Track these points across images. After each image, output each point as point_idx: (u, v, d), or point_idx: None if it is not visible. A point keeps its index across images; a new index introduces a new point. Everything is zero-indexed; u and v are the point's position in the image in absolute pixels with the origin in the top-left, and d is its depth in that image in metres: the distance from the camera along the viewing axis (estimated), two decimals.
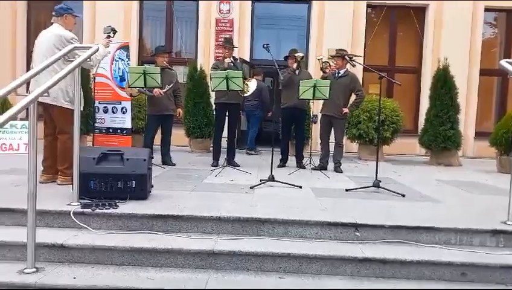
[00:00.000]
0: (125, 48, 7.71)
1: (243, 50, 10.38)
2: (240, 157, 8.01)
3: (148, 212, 3.33)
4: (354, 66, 5.29)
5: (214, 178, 5.31)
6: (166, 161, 6.49)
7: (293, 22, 11.25)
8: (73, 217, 3.23)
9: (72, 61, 3.35)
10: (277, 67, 4.98)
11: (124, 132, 7.88)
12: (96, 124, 8.19)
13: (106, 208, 3.35)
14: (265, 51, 5.42)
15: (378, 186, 4.74)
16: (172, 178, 5.22)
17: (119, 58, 7.69)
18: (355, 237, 3.28)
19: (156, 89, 6.11)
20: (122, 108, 7.87)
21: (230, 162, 6.51)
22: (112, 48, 7.84)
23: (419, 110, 10.62)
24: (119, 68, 7.79)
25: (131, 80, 5.70)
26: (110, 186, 3.66)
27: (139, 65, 9.88)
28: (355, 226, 3.29)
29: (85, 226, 3.23)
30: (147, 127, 6.62)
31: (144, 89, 6.14)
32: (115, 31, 4.53)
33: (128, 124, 7.71)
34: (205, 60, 10.26)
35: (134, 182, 3.67)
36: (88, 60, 3.66)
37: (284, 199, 4.14)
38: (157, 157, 6.45)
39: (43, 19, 10.57)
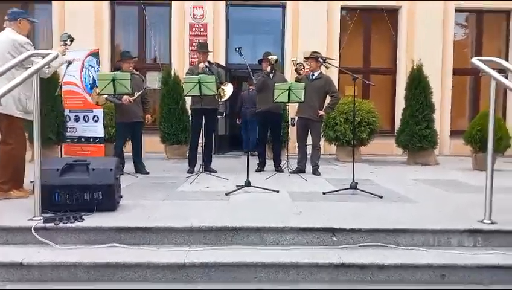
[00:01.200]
0: (95, 54, 7.49)
1: (217, 55, 10.27)
2: (219, 161, 7.89)
3: (115, 225, 3.15)
4: (327, 68, 5.24)
5: (188, 185, 5.15)
6: (140, 169, 6.30)
7: (268, 26, 11.20)
8: (34, 233, 3.03)
9: (27, 68, 3.16)
10: (249, 70, 4.89)
11: (97, 140, 7.64)
12: (67, 133, 7.93)
13: (71, 222, 3.17)
14: (240, 55, 5.32)
15: (356, 188, 4.68)
16: (145, 187, 5.04)
17: (89, 65, 7.47)
18: (332, 242, 3.18)
19: (125, 97, 5.92)
20: (94, 116, 7.63)
21: (207, 168, 6.37)
22: (82, 55, 7.61)
23: (396, 111, 10.71)
24: (89, 76, 7.55)
25: (100, 87, 5.49)
26: (75, 198, 3.47)
27: (112, 71, 9.64)
28: (332, 230, 3.20)
29: (47, 242, 3.03)
30: (116, 135, 6.41)
31: (113, 96, 5.94)
32: (72, 39, 4.31)
33: (100, 133, 7.48)
34: (179, 66, 10.10)
35: (100, 192, 3.48)
36: (46, 67, 3.47)
37: (260, 205, 4.02)
38: (130, 166, 6.27)
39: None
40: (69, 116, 7.95)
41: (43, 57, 3.25)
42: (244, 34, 10.99)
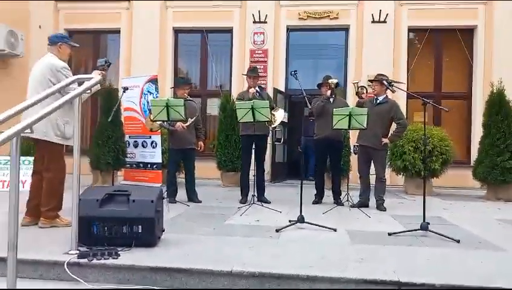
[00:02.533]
0: (154, 81, 7.57)
1: (277, 80, 10.07)
2: (274, 190, 7.52)
3: (151, 265, 2.87)
4: (393, 91, 4.72)
5: (238, 218, 4.82)
6: (192, 197, 6.10)
7: (330, 51, 10.82)
8: (66, 269, 2.83)
9: (67, 93, 3.06)
10: (305, 95, 4.53)
11: (155, 166, 7.65)
12: (127, 159, 8.03)
13: (105, 258, 2.94)
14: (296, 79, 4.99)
15: (427, 229, 4.05)
16: (193, 218, 4.78)
17: (148, 91, 7.56)
18: None
19: (178, 123, 5.81)
20: (152, 142, 7.67)
21: (260, 198, 6.02)
22: (142, 82, 7.74)
23: (471, 139, 9.71)
24: (147, 102, 7.63)
25: (154, 113, 5.41)
26: (114, 231, 3.26)
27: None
28: (399, 284, 2.67)
29: (79, 279, 2.81)
30: (169, 161, 6.29)
31: (166, 123, 5.85)
32: (109, 63, 4.20)
33: (158, 159, 7.48)
34: (239, 92, 9.97)
35: (140, 226, 3.25)
36: (88, 91, 3.37)
37: (313, 246, 3.56)
38: (182, 194, 6.09)
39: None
40: (129, 142, 8.06)
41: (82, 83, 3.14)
42: (305, 58, 10.69)
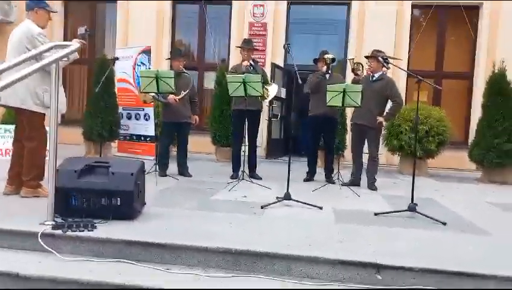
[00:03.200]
0: (147, 52, 7.40)
1: (276, 55, 9.85)
2: (268, 167, 7.46)
3: (126, 238, 2.82)
4: (388, 68, 4.57)
5: (225, 193, 4.76)
6: (183, 171, 6.04)
7: (331, 26, 10.53)
8: (39, 240, 2.78)
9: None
10: (296, 70, 4.39)
11: (148, 139, 7.58)
12: (120, 131, 7.95)
13: (80, 230, 2.89)
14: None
15: (415, 211, 3.98)
16: (180, 192, 4.72)
17: (142, 62, 7.40)
18: (376, 281, 2.59)
19: (170, 96, 5.68)
20: (145, 115, 7.60)
21: (251, 174, 5.96)
22: (135, 52, 7.57)
23: (471, 120, 9.55)
24: None
25: (143, 85, 5.28)
26: (92, 203, 3.20)
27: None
28: (377, 267, 2.61)
29: (52, 251, 2.77)
30: (161, 134, 6.20)
31: (158, 95, 5.72)
32: (89, 32, 4.01)
33: (151, 131, 7.40)
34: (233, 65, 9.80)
35: (119, 199, 3.19)
36: (65, 59, 3.24)
37: (296, 224, 3.51)
38: (174, 167, 6.03)
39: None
40: (122, 114, 7.97)
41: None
42: (305, 34, 10.42)
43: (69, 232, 2.86)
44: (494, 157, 6.93)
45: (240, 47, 6.11)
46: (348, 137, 7.54)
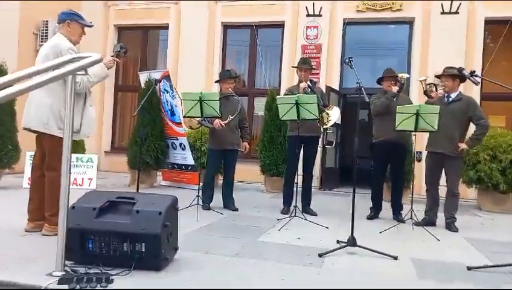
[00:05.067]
0: (167, 77, 6.95)
1: (331, 78, 9.16)
2: (323, 199, 6.68)
3: None
4: (477, 83, 3.72)
5: (275, 233, 4.04)
6: (227, 204, 5.41)
7: (391, 47, 9.70)
8: None
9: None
10: (361, 86, 3.65)
11: (189, 168, 7.09)
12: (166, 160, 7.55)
13: (91, 286, 2.29)
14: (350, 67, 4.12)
15: None
16: (222, 231, 4.06)
17: (165, 89, 7.00)
18: None
19: (216, 120, 5.14)
20: (180, 144, 7.15)
21: (305, 209, 5.22)
22: (158, 77, 7.07)
23: None
24: (166, 100, 7.06)
25: (186, 109, 4.78)
26: (113, 249, 2.62)
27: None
28: None
29: None
30: (207, 162, 5.64)
31: (204, 119, 5.21)
32: (125, 50, 3.53)
33: (190, 161, 6.92)
34: (288, 87, 9.21)
35: (143, 244, 2.58)
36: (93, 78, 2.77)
37: (365, 281, 2.71)
38: (219, 198, 5.43)
39: None
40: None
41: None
42: (362, 55, 9.65)
43: (77, 288, 2.27)
44: None
45: (296, 67, 5.49)
46: (418, 167, 6.60)
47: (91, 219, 2.63)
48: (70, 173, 2.57)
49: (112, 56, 3.42)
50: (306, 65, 5.33)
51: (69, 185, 2.55)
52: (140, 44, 10.80)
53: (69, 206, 2.63)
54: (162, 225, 2.60)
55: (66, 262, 2.54)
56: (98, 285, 2.30)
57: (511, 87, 3.61)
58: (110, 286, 2.33)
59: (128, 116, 10.84)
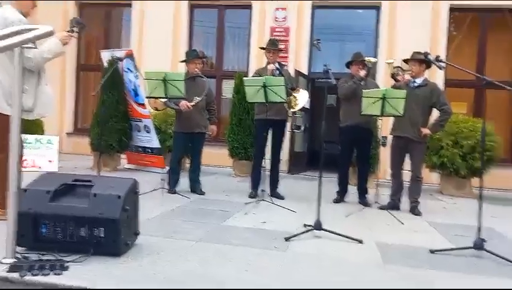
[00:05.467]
0: (130, 56, 6.68)
1: (299, 62, 9.10)
2: (291, 183, 6.68)
3: (100, 287, 2.07)
4: (441, 68, 3.76)
5: (241, 217, 3.98)
6: (195, 188, 5.29)
7: (358, 31, 9.74)
8: None
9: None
10: (328, 68, 3.58)
11: (154, 151, 6.89)
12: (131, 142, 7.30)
13: (44, 273, 2.15)
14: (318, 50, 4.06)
15: (482, 248, 3.11)
16: (187, 215, 3.97)
17: (128, 68, 6.72)
18: None
19: (182, 102, 4.96)
20: (144, 126, 6.89)
21: (272, 193, 5.19)
22: (121, 56, 6.76)
23: None
24: (130, 80, 6.80)
25: (150, 89, 4.59)
26: (69, 234, 2.47)
27: None
28: None
29: None
30: (173, 146, 5.48)
31: (170, 101, 5.03)
32: (82, 25, 3.29)
33: (155, 144, 6.71)
34: (256, 69, 9.09)
35: (102, 229, 2.45)
36: (36, 51, 2.57)
37: (332, 267, 2.69)
38: (185, 183, 5.30)
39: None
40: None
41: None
42: (331, 39, 9.62)
43: (29, 277, 2.13)
44: None
45: (264, 48, 5.37)
46: (383, 151, 6.69)
47: (45, 202, 2.46)
48: (22, 154, 2.37)
49: (68, 31, 3.19)
50: (274, 46, 5.23)
51: (21, 167, 2.37)
52: (103, 22, 10.35)
53: (21, 189, 2.46)
54: (122, 209, 2.47)
55: (18, 249, 2.39)
56: (51, 272, 2.16)
57: (474, 72, 3.63)
58: (65, 273, 2.19)
59: (91, 97, 10.42)
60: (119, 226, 2.45)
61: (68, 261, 2.31)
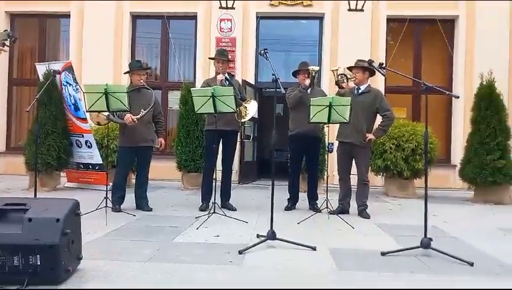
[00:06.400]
0: (69, 69, 6.40)
1: (246, 72, 9.14)
2: (242, 193, 6.61)
3: None
4: (384, 75, 3.89)
5: (192, 232, 3.84)
6: (141, 205, 5.05)
7: (303, 41, 9.97)
8: None
9: None
10: (277, 78, 3.58)
11: (97, 167, 6.57)
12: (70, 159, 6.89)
13: None
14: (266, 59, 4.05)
15: (429, 247, 3.21)
16: (134, 234, 3.77)
17: (67, 82, 6.43)
18: None
19: (127, 115, 4.74)
20: (86, 141, 6.59)
21: (224, 204, 5.10)
22: (59, 68, 6.44)
23: (452, 136, 9.12)
24: (69, 94, 6.50)
25: (89, 102, 4.33)
26: (1, 264, 2.23)
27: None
28: None
29: None
30: (117, 162, 5.23)
31: (113, 114, 4.79)
32: (13, 38, 3.07)
33: (97, 159, 6.41)
34: (205, 79, 8.97)
35: (38, 256, 2.24)
36: None
37: (287, 277, 2.65)
38: (130, 200, 5.06)
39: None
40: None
41: None
42: (276, 49, 9.76)
43: None
44: (488, 175, 6.36)
45: (213, 58, 5.30)
46: (331, 157, 6.82)
47: None
48: None
49: None
50: (223, 56, 5.17)
51: None
52: (37, 33, 9.78)
53: None
54: (61, 233, 2.27)
55: None
56: None
57: (416, 79, 3.79)
58: None
59: (25, 113, 9.77)
60: (59, 251, 2.25)
61: None
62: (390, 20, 9.24)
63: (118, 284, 2.39)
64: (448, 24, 9.23)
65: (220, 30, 9.31)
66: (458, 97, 3.72)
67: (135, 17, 9.59)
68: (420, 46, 9.35)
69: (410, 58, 9.38)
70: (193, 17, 9.40)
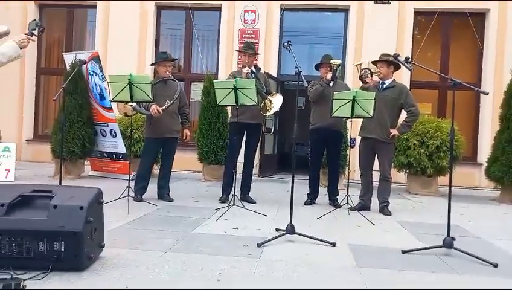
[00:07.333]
0: (96, 58, 6.48)
1: (269, 64, 9.08)
2: (262, 186, 6.61)
3: None
4: (411, 70, 3.79)
5: (212, 224, 3.87)
6: (162, 195, 5.12)
7: (327, 33, 9.83)
8: None
9: None
10: (300, 70, 3.54)
11: (120, 157, 6.67)
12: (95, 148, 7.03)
13: None
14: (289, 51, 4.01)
15: (451, 247, 3.14)
16: (155, 224, 3.82)
17: (93, 71, 6.52)
18: None
19: (153, 106, 4.79)
20: (110, 131, 6.68)
21: (244, 197, 5.11)
22: (86, 58, 6.54)
23: (479, 134, 8.86)
24: (95, 84, 6.59)
25: (114, 92, 4.40)
26: (26, 250, 2.30)
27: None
28: None
29: None
30: (143, 152, 5.30)
31: (140, 105, 4.85)
32: (41, 28, 3.12)
33: (121, 149, 6.51)
34: (227, 75, 8.99)
35: (62, 243, 2.30)
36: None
37: (305, 271, 2.63)
38: (152, 190, 5.13)
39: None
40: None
41: None
42: (300, 42, 9.66)
43: None
44: None
45: (240, 51, 5.29)
46: (353, 152, 6.74)
47: None
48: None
49: (26, 34, 2.99)
50: (250, 50, 5.14)
51: None
52: (65, 23, 9.96)
53: None
54: (85, 220, 2.32)
55: None
56: None
57: (440, 73, 3.68)
58: None
59: (53, 102, 10.01)
60: (82, 239, 2.31)
61: (25, 280, 2.15)
62: (417, 13, 9.00)
63: (138, 273, 2.43)
64: (479, 17, 8.92)
65: (244, 22, 9.27)
66: (487, 94, 3.60)
67: (160, 8, 9.63)
68: (448, 40, 9.09)
69: (437, 53, 9.13)
70: (217, 8, 9.39)
